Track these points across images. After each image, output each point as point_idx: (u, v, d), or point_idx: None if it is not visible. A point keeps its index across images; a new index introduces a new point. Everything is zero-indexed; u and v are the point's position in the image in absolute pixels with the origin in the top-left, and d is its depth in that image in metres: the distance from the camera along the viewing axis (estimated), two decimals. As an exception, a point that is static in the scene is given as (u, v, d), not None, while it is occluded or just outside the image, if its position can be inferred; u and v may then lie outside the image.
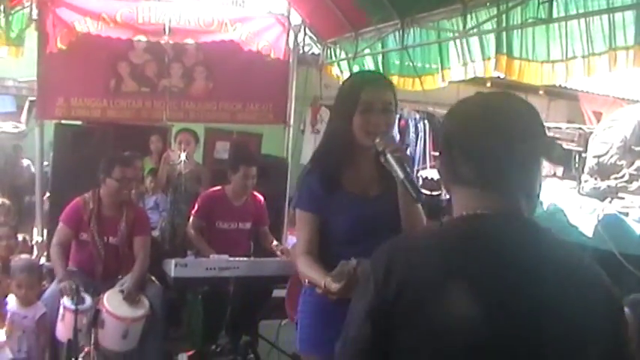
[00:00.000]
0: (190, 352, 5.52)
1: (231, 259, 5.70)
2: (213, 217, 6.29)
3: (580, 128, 7.19)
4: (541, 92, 12.30)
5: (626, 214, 5.18)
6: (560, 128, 7.11)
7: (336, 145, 3.07)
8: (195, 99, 8.04)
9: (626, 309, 1.73)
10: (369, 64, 7.75)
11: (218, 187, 6.42)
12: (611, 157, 5.86)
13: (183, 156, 6.98)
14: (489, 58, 5.80)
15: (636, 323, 3.18)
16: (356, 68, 7.94)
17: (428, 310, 1.51)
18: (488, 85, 11.00)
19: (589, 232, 5.20)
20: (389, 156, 2.80)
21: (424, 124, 10.45)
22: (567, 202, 5.68)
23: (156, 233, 6.92)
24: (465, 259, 1.55)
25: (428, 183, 9.14)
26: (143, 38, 7.58)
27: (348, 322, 1.67)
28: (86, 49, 7.36)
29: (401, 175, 2.74)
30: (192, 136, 7.29)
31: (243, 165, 6.23)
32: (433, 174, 9.23)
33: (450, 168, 1.71)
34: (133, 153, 6.89)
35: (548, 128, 6.88)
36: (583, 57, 4.89)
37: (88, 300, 5.07)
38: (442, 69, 6.51)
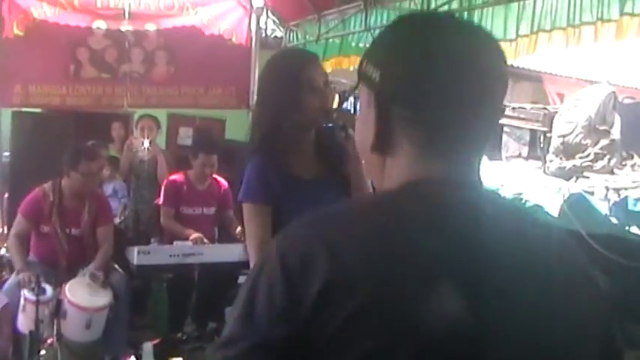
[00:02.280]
0: (156, 341, 5.45)
1: (195, 245, 5.65)
2: (177, 202, 6.20)
3: (545, 108, 7.19)
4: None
5: (592, 193, 5.19)
6: (524, 108, 7.11)
7: (284, 126, 2.75)
8: (156, 84, 7.93)
9: None
10: (331, 47, 7.69)
11: (179, 174, 6.34)
12: (576, 136, 5.86)
13: (146, 143, 6.87)
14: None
15: None
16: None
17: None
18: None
19: (555, 212, 5.22)
20: (351, 131, 2.67)
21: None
22: (532, 183, 5.69)
23: (116, 221, 6.81)
24: (424, 239, 1.11)
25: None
26: (102, 24, 7.40)
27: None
28: (44, 35, 7.19)
29: None
30: (153, 122, 7.17)
31: (202, 152, 6.16)
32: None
33: (385, 121, 1.22)
34: (96, 142, 6.77)
35: (513, 108, 6.90)
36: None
37: (49, 290, 4.92)
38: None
